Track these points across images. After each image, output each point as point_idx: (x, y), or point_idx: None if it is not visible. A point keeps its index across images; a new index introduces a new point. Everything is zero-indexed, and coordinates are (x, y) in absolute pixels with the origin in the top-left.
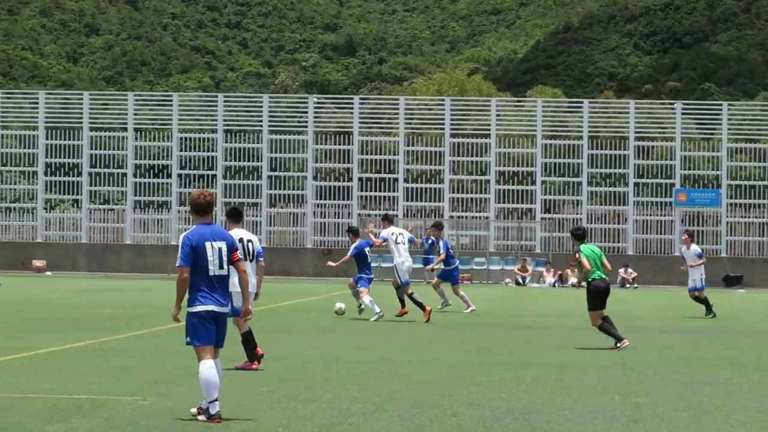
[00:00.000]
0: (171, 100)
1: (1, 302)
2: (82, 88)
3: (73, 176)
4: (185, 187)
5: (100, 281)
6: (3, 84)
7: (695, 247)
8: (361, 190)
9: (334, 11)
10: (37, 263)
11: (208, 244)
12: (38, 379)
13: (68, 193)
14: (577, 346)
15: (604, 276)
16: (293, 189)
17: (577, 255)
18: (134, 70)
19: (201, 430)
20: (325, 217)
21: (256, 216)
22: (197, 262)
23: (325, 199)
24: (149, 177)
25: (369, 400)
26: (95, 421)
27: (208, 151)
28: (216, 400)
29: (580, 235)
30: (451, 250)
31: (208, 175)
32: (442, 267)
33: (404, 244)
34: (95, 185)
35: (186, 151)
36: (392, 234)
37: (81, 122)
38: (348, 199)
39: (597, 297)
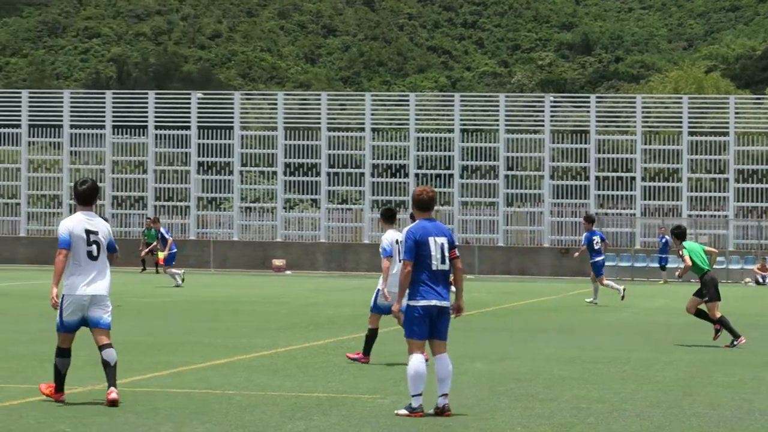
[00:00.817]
0: (408, 100)
1: (244, 301)
2: (320, 89)
3: (312, 176)
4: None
5: (338, 280)
6: (242, 85)
7: None
8: (598, 189)
9: (570, 10)
10: (277, 262)
11: (431, 239)
12: (279, 377)
13: (307, 193)
14: None
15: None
16: (530, 188)
17: (680, 252)
18: (371, 71)
19: (440, 430)
20: (562, 216)
21: (493, 215)
22: (421, 257)
23: (562, 198)
24: (387, 176)
25: (607, 400)
26: (335, 419)
27: (445, 150)
28: (420, 394)
29: (681, 234)
30: (596, 245)
31: (444, 175)
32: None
33: None
34: (333, 185)
35: (423, 150)
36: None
37: (319, 122)
38: (585, 198)
39: (716, 288)
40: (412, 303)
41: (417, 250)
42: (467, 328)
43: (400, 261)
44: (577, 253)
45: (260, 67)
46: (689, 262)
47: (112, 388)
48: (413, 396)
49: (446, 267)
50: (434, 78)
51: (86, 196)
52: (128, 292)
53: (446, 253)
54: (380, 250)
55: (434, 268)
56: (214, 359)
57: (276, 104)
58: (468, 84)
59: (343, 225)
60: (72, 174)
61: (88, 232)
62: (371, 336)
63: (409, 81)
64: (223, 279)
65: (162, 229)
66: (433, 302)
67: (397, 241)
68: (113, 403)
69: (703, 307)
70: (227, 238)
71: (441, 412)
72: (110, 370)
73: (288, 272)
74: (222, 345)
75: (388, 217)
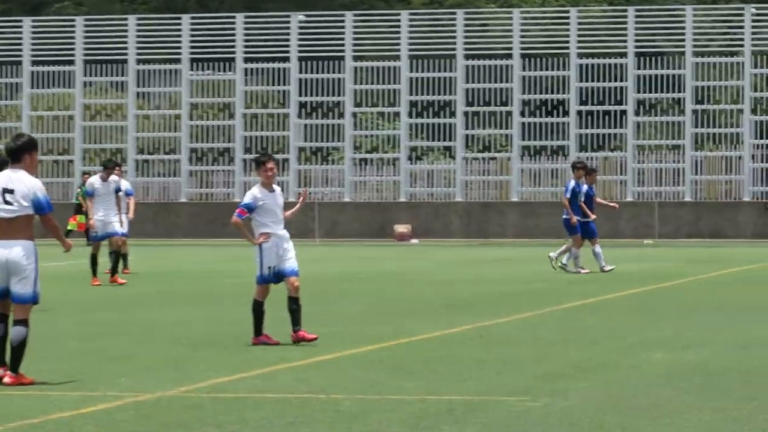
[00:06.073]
0: (568, 18)
1: (357, 279)
2: (456, 5)
3: (445, 117)
4: (585, 127)
5: (478, 250)
6: (356, 3)
7: None
8: None
9: None
10: (401, 229)
11: None
12: (401, 376)
13: (438, 139)
14: None
15: None
16: (725, 126)
17: None
18: None
19: None
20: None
21: (678, 162)
22: None
23: None
24: (540, 116)
25: None
26: (471, 429)
27: (616, 80)
28: None
29: None
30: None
31: (615, 112)
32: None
33: None
34: (472, 128)
35: (587, 81)
36: None
37: (454, 48)
38: None
39: None
40: None
41: None
42: (642, 308)
43: None
44: None
45: None
46: None
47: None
48: None
49: None
50: None
51: (11, 152)
52: (204, 269)
53: None
54: None
55: None
56: (318, 354)
57: (399, 26)
58: None
59: (484, 179)
60: (139, 122)
61: (4, 190)
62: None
63: None
64: (331, 251)
65: (122, 182)
66: None
67: None
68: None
69: None
70: (337, 198)
71: None
72: (14, 352)
73: (414, 241)
74: (328, 335)
75: None
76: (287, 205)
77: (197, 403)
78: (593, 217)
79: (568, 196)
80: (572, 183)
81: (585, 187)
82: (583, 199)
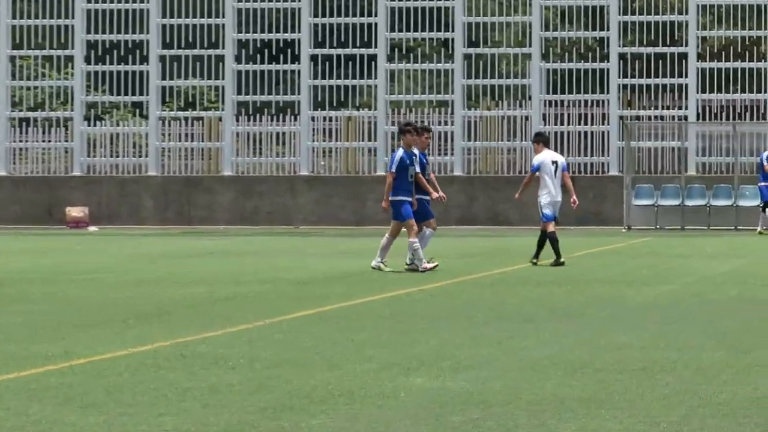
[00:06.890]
0: None
1: (18, 280)
2: None
3: (134, 63)
4: (321, 77)
5: (179, 240)
6: None
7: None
8: (625, 76)
9: None
10: (74, 212)
11: None
12: (75, 410)
13: (125, 93)
14: None
15: None
16: (507, 77)
17: None
18: None
19: None
20: (562, 123)
21: (445, 124)
22: None
23: (562, 92)
24: (262, 62)
25: None
26: None
27: (363, 15)
28: None
29: None
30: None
31: (363, 57)
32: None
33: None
34: (170, 78)
35: (324, 15)
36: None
37: None
38: (602, 91)
39: None
40: None
41: None
42: (398, 318)
43: None
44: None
45: None
46: None
47: None
48: None
49: None
50: None
51: None
52: None
53: None
54: None
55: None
56: None
57: None
58: None
59: (187, 146)
60: None
61: None
62: None
63: None
64: None
65: None
66: None
67: None
68: None
69: None
70: None
71: None
72: None
73: (92, 228)
74: None
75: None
76: None
77: None
78: (436, 195)
79: (394, 169)
80: (400, 152)
81: (417, 154)
82: (418, 169)
